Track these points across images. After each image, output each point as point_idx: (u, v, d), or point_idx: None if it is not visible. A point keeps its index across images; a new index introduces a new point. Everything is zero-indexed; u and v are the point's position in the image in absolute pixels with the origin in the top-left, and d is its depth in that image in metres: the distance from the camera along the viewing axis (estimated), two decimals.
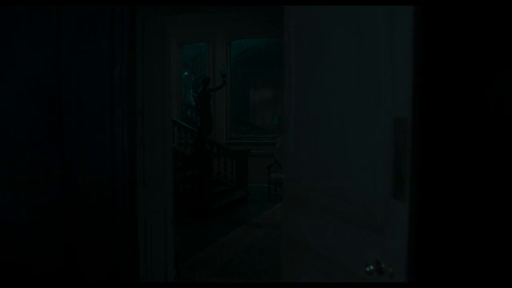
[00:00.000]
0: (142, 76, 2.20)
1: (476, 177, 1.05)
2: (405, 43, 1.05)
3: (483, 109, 1.03)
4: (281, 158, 7.10)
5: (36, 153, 2.12)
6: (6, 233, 2.03)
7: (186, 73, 8.23)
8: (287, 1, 1.71)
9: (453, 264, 1.09)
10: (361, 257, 1.29)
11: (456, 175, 1.10)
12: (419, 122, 1.12)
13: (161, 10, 2.36)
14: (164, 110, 2.47)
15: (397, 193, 1.16)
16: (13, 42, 2.05)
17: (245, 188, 6.46)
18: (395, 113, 1.15)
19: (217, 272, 3.26)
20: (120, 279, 2.10)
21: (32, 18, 2.10)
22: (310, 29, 1.58)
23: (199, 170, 5.25)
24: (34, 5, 2.09)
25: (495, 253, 0.99)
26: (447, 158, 1.11)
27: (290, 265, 1.74)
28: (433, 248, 1.15)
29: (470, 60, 1.03)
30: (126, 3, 2.07)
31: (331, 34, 1.43)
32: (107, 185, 2.12)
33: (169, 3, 2.40)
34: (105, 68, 2.12)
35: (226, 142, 7.67)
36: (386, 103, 1.18)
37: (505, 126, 0.96)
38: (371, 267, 1.18)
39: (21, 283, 2.05)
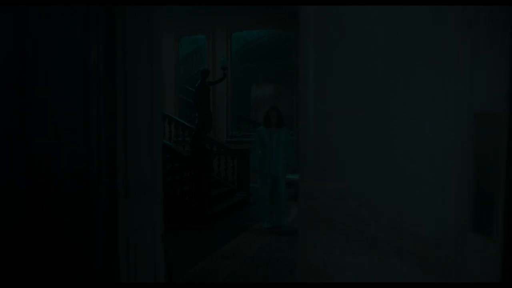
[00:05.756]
0: (123, 62, 1.81)
1: None
2: None
3: None
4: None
5: None
6: None
7: None
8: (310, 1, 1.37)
9: None
10: None
11: None
12: None
13: None
14: (153, 104, 2.08)
15: (481, 225, 0.78)
16: None
17: (247, 190, 6.08)
18: (477, 106, 0.77)
19: None
20: None
21: None
22: (335, 15, 1.23)
23: (197, 171, 4.86)
24: None
25: None
26: None
27: None
28: None
29: None
30: None
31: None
32: (79, 196, 1.74)
33: None
34: (78, 52, 1.74)
35: (227, 141, 7.29)
36: (458, 92, 0.81)
37: None
38: None
39: None
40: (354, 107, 1.12)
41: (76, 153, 1.76)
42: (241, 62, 7.88)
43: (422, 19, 0.88)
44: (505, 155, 0.73)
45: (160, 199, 2.14)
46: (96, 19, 1.73)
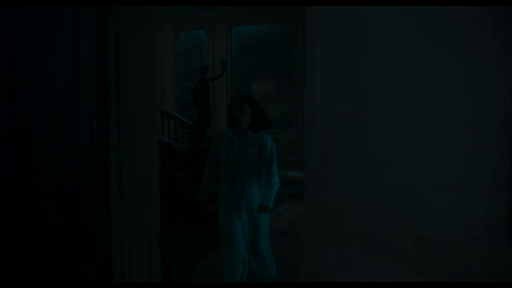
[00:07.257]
0: (116, 60, 1.72)
1: None
2: None
3: None
4: (287, 154, 6.66)
5: None
6: None
7: None
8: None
9: None
10: None
11: None
12: None
13: None
14: (150, 101, 1.99)
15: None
16: None
17: None
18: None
19: None
20: None
21: None
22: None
23: (197, 170, 4.77)
24: None
25: None
26: None
27: None
28: None
29: None
30: None
31: None
32: (71, 197, 1.65)
33: None
34: (69, 49, 1.65)
35: None
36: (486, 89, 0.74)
37: None
38: None
39: None
40: (360, 108, 1.10)
41: (66, 152, 1.67)
42: (241, 58, 7.78)
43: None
44: None
45: (157, 200, 2.05)
46: (89, 17, 1.64)
